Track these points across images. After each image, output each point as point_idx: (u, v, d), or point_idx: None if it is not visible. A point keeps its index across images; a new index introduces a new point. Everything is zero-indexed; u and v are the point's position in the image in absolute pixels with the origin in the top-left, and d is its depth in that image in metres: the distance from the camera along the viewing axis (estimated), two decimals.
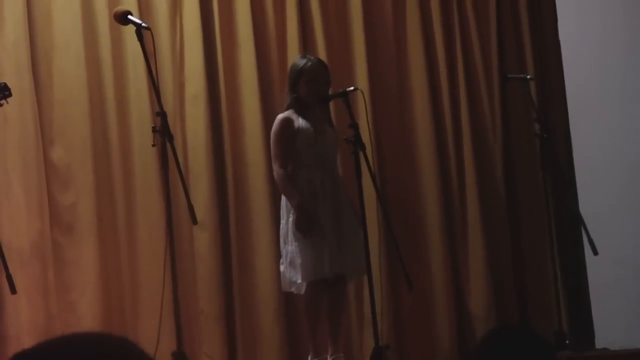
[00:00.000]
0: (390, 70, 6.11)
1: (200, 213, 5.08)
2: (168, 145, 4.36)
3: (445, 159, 6.10)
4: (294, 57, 5.53)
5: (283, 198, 4.97)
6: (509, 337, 2.12)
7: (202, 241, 5.56)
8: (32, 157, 5.34)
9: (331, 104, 5.18)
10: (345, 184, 5.06)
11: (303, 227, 4.80)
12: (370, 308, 4.70)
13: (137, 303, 5.41)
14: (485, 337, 2.13)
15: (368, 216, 4.84)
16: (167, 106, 5.19)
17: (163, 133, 4.36)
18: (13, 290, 4.38)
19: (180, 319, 4.40)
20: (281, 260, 4.98)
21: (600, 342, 5.87)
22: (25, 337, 5.15)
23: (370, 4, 6.09)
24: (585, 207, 5.86)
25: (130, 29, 4.60)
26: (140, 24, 4.45)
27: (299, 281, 4.86)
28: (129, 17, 4.50)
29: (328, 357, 4.92)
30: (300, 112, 4.97)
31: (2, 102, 4.47)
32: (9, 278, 4.35)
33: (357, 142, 4.70)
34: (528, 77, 5.84)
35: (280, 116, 5.00)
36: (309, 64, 4.98)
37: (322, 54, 5.77)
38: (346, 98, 4.81)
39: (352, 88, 4.93)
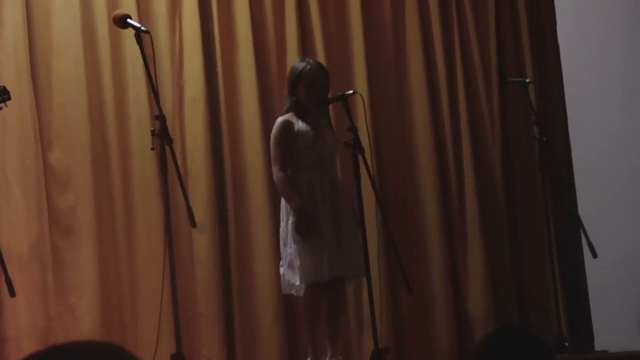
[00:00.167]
0: (389, 72, 6.11)
1: (199, 216, 5.08)
2: (167, 148, 4.36)
3: (444, 161, 6.10)
4: (293, 59, 5.54)
5: (283, 200, 4.97)
6: (508, 339, 2.12)
7: (201, 244, 5.56)
8: (31, 160, 5.34)
9: (330, 108, 5.18)
10: (344, 187, 5.07)
11: (302, 229, 4.81)
12: (369, 310, 4.70)
13: (136, 305, 5.41)
14: (484, 340, 2.13)
15: (367, 219, 4.84)
16: (166, 109, 5.19)
17: (162, 136, 4.36)
18: (12, 293, 4.37)
19: (179, 322, 4.40)
20: (281, 263, 4.99)
21: (600, 344, 5.88)
22: (24, 340, 5.15)
23: (369, 5, 6.10)
24: (584, 209, 5.87)
25: (130, 32, 4.60)
26: (140, 28, 4.44)
27: (298, 283, 4.86)
28: (128, 20, 4.50)
29: (327, 359, 4.93)
30: (300, 115, 4.97)
31: (1, 105, 4.46)
32: (8, 281, 4.34)
33: (356, 146, 4.70)
34: (527, 80, 5.86)
35: (280, 119, 5.01)
36: (308, 67, 4.99)
37: (321, 56, 5.77)
38: (345, 101, 4.81)
39: (351, 92, 4.93)
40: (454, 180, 6.09)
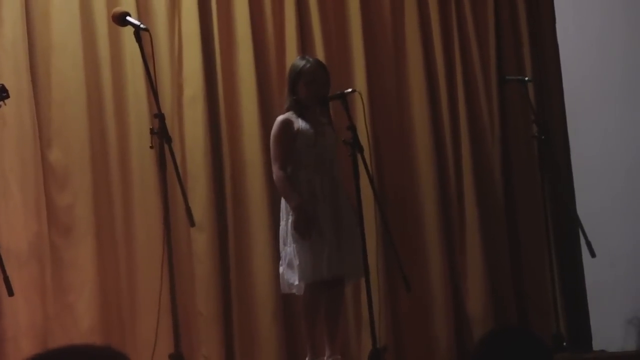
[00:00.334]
0: (389, 71, 6.11)
1: (198, 214, 5.08)
2: (166, 147, 4.36)
3: (443, 160, 6.10)
4: (292, 58, 5.54)
5: (283, 199, 4.97)
6: (507, 339, 2.12)
7: (200, 243, 5.56)
8: (29, 158, 5.33)
9: (330, 106, 5.17)
10: (344, 186, 5.06)
11: (302, 228, 4.80)
12: (367, 309, 4.69)
13: (135, 304, 5.41)
14: (483, 339, 2.13)
15: (366, 218, 4.84)
16: (165, 108, 5.19)
17: (161, 135, 4.35)
18: (10, 292, 4.37)
19: (177, 321, 4.40)
20: (280, 262, 4.99)
21: (598, 343, 5.87)
22: (22, 339, 5.14)
23: (368, 4, 6.10)
24: (583, 208, 5.87)
25: (129, 30, 4.60)
26: (139, 26, 4.44)
27: (297, 283, 4.86)
28: (128, 18, 4.50)
29: (325, 358, 4.92)
30: (300, 114, 4.97)
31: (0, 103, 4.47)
32: (7, 280, 4.34)
33: (355, 144, 4.69)
34: (526, 78, 5.86)
35: (280, 118, 5.00)
36: (308, 65, 4.98)
37: (320, 55, 5.77)
38: (344, 100, 4.80)
39: (350, 90, 4.93)
40: (453, 180, 6.09)
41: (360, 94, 5.10)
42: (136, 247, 5.46)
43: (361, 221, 4.74)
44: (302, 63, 5.02)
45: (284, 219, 4.94)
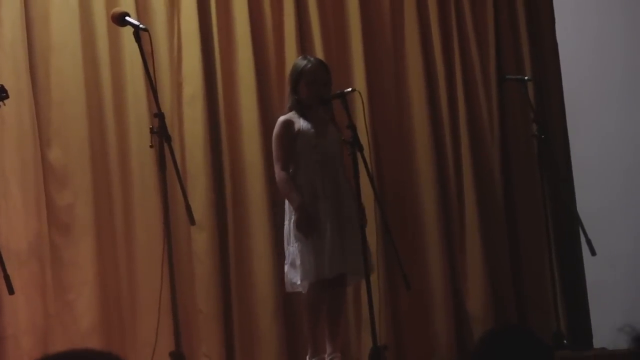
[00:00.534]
0: (388, 70, 6.11)
1: (198, 213, 5.08)
2: (166, 146, 4.36)
3: (443, 160, 6.10)
4: (292, 57, 5.54)
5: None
6: (507, 337, 2.12)
7: (200, 242, 5.56)
8: (29, 158, 5.33)
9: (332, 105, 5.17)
10: (349, 185, 5.05)
11: (303, 227, 4.81)
12: (368, 308, 4.69)
13: (135, 303, 5.41)
14: (483, 338, 2.14)
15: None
16: (165, 107, 5.19)
17: (161, 134, 4.35)
18: (11, 291, 4.38)
19: (178, 319, 4.40)
20: (285, 261, 4.99)
21: (598, 341, 5.87)
22: (23, 337, 5.15)
23: (367, 3, 6.10)
24: (583, 206, 5.87)
25: (128, 30, 4.60)
26: (138, 26, 4.44)
27: (299, 282, 4.86)
28: (127, 18, 4.50)
29: (326, 357, 4.93)
30: (302, 114, 4.97)
31: None
32: (7, 278, 4.35)
33: (355, 144, 4.69)
34: (526, 78, 5.85)
35: (281, 118, 5.00)
36: (309, 65, 4.98)
37: (319, 54, 5.77)
38: (344, 99, 4.80)
39: (350, 89, 4.93)
40: (453, 179, 6.09)
41: (360, 93, 5.10)
42: (136, 246, 5.46)
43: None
44: (303, 63, 5.01)
45: (288, 219, 4.94)
